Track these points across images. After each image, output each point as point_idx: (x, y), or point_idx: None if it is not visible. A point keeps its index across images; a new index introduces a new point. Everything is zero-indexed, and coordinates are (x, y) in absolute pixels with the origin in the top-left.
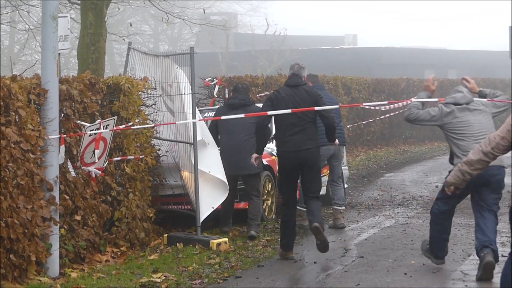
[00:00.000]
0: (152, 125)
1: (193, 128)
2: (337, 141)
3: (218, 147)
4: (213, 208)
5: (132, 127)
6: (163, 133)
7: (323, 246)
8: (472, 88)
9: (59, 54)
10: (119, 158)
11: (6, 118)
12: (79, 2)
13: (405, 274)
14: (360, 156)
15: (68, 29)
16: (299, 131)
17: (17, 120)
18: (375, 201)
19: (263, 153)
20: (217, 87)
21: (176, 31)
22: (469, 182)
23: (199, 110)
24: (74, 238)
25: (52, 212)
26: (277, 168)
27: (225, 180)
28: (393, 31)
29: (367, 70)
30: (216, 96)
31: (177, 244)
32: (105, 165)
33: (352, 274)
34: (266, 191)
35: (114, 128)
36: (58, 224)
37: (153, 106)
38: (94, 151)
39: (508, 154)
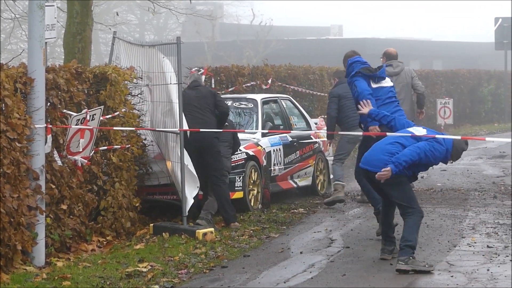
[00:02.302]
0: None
1: (179, 117)
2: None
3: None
4: (192, 198)
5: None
6: (149, 122)
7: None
8: None
9: (46, 43)
10: (105, 148)
11: None
12: None
13: (391, 264)
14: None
15: (55, 18)
16: (201, 121)
17: (3, 109)
18: (360, 191)
19: (249, 143)
20: (203, 77)
21: (162, 21)
22: None
23: None
24: (60, 227)
25: (38, 201)
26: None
27: (194, 172)
28: (379, 22)
29: None
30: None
31: (163, 233)
32: (91, 154)
33: (338, 265)
34: (251, 181)
35: (101, 117)
36: (44, 213)
37: (139, 95)
38: (79, 141)
39: None
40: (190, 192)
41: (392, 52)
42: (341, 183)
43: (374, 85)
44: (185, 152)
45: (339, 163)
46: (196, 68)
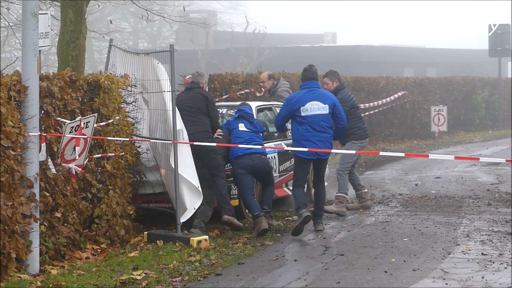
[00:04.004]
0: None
1: (173, 125)
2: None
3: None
4: (194, 208)
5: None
6: (143, 130)
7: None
8: None
9: (40, 51)
10: (99, 155)
11: None
12: None
13: (386, 272)
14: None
15: (49, 26)
16: (193, 123)
17: None
18: (355, 199)
19: None
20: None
21: (156, 29)
22: None
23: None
24: (54, 235)
25: (32, 209)
26: None
27: (195, 184)
28: (372, 29)
29: (346, 68)
30: None
31: (157, 241)
32: (85, 162)
33: (332, 272)
34: None
35: (95, 125)
36: (38, 221)
37: (134, 103)
38: (74, 148)
39: None
40: (193, 202)
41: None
42: (346, 195)
43: (242, 128)
44: (191, 161)
45: (346, 174)
46: (190, 76)
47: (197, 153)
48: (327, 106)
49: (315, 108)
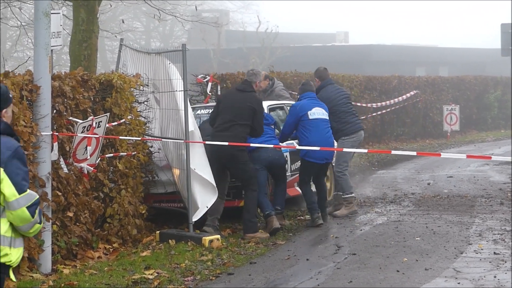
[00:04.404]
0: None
1: (185, 124)
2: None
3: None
4: (207, 207)
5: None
6: (155, 130)
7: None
8: None
9: (52, 50)
10: (111, 155)
11: None
12: None
13: (398, 271)
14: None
15: (61, 25)
16: (228, 133)
17: None
18: (367, 198)
19: None
20: (210, 84)
21: (168, 28)
22: None
23: (191, 108)
24: (67, 235)
25: (44, 208)
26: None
27: (211, 180)
28: (384, 28)
29: (358, 67)
30: (210, 93)
31: (169, 240)
32: (97, 162)
33: (344, 271)
34: None
35: (107, 125)
36: (51, 221)
37: (145, 102)
38: (86, 148)
39: None
40: (206, 201)
41: None
42: (352, 194)
43: None
44: (206, 160)
45: (346, 173)
46: (202, 76)
47: (227, 164)
48: (327, 114)
49: (320, 113)
